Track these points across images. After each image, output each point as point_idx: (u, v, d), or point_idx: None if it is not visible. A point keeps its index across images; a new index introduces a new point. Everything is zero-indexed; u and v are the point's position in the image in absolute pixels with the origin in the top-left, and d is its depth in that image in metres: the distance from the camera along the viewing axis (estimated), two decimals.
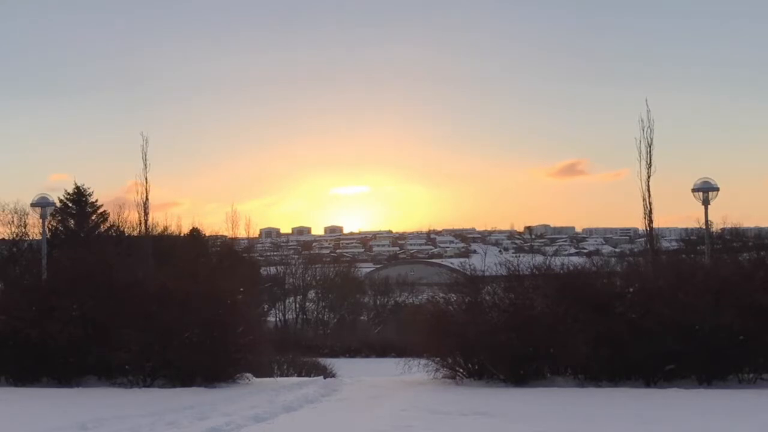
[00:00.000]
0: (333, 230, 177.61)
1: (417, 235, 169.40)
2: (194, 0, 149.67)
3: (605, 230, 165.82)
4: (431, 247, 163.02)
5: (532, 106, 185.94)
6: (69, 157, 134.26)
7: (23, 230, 46.97)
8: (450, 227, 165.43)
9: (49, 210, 26.14)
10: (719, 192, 23.68)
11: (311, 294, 63.48)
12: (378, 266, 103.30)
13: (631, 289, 18.22)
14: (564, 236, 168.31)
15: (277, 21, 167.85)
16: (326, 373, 29.53)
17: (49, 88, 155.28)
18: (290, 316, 61.62)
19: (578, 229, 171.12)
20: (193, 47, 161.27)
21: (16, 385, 18.91)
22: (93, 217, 48.30)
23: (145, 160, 30.66)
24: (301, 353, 35.09)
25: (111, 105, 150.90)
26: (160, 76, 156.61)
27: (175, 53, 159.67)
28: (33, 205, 25.36)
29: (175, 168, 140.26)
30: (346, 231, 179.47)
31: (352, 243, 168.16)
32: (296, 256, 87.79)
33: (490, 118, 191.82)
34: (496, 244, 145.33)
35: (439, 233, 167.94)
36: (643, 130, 26.18)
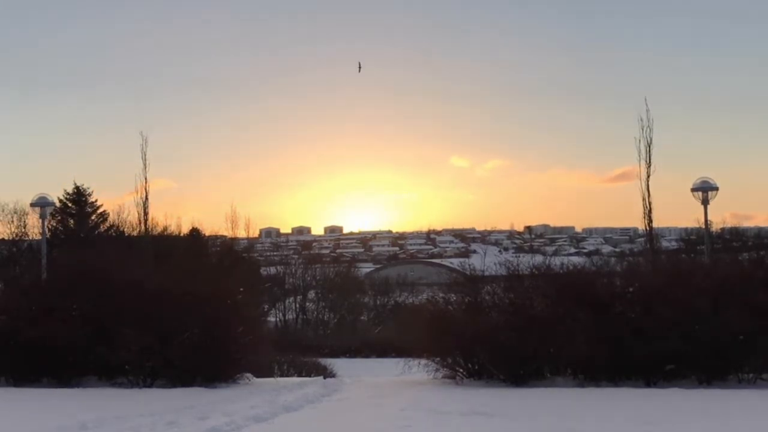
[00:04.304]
0: (333, 230, 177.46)
1: (417, 235, 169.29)
2: None
3: (605, 230, 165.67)
4: (431, 247, 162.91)
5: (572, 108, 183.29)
6: (69, 157, 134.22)
7: (23, 230, 47.07)
8: (450, 227, 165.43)
9: (49, 210, 26.15)
10: (719, 192, 23.70)
11: (311, 294, 63.40)
12: (378, 266, 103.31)
13: (630, 289, 18.22)
14: (564, 236, 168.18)
15: (279, 21, 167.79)
16: (326, 373, 29.51)
17: (49, 86, 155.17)
18: (290, 316, 61.53)
19: (578, 229, 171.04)
20: (194, 46, 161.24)
21: (16, 385, 18.89)
22: (93, 217, 48.31)
23: (145, 159, 30.71)
24: (301, 353, 35.07)
25: (111, 104, 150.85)
26: (161, 75, 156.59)
27: (177, 53, 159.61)
28: (32, 205, 25.37)
29: (174, 167, 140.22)
30: (345, 231, 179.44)
31: (352, 243, 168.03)
32: (296, 256, 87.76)
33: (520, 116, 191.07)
34: (496, 244, 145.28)
35: (438, 233, 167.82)
36: (643, 130, 26.30)
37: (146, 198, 30.89)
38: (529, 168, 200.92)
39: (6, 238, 47.16)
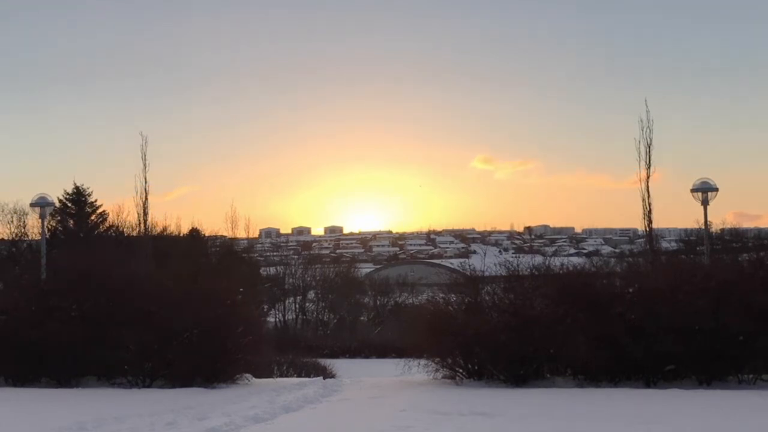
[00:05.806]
0: (333, 230, 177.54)
1: (417, 235, 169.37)
2: None
3: (605, 230, 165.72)
4: (431, 247, 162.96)
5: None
6: (69, 157, 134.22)
7: (23, 230, 47.03)
8: (450, 227, 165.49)
9: (49, 210, 26.05)
10: (722, 193, 23.66)
11: (311, 294, 63.29)
12: (378, 266, 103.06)
13: (630, 290, 18.22)
14: (564, 236, 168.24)
15: (281, 21, 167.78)
16: (326, 373, 29.49)
17: (49, 86, 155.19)
18: (290, 316, 61.41)
19: (578, 230, 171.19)
20: (195, 46, 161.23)
21: (15, 385, 18.90)
22: (92, 217, 48.25)
23: (145, 159, 30.74)
24: (300, 354, 35.03)
25: (111, 103, 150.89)
26: (161, 75, 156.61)
27: (178, 52, 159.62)
28: (32, 205, 25.28)
29: (175, 167, 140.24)
30: (346, 231, 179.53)
31: (352, 243, 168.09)
32: (296, 257, 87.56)
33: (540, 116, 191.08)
34: (496, 244, 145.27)
35: (439, 233, 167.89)
36: (643, 131, 26.37)
37: (146, 198, 30.92)
38: (550, 171, 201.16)
39: (6, 238, 47.13)
